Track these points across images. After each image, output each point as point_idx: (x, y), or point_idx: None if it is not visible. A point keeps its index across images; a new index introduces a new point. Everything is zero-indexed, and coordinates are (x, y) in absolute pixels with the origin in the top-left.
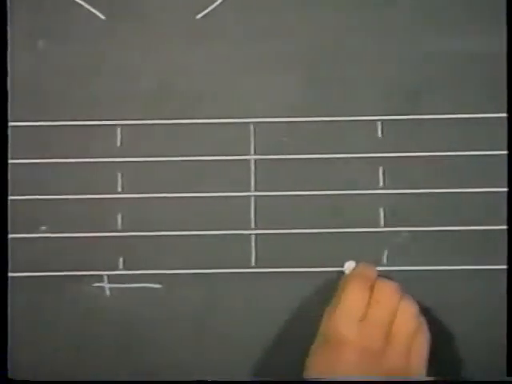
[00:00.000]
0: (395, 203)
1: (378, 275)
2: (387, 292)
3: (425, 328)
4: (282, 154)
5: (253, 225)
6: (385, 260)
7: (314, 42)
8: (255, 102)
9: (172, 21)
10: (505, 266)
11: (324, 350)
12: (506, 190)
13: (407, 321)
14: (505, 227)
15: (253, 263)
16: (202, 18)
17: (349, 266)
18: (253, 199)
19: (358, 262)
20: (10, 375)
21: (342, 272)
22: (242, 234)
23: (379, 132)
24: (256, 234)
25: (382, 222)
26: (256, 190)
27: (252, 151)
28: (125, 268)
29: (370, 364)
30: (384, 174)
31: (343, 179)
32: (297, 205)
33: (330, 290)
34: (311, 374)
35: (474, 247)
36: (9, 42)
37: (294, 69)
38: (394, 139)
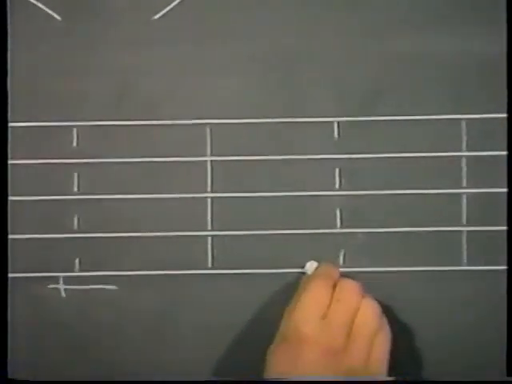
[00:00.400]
0: (351, 204)
1: (340, 275)
2: (349, 291)
3: (386, 327)
4: (239, 156)
5: (209, 226)
6: (341, 261)
7: (272, 43)
8: (212, 103)
9: (129, 21)
10: (505, 267)
11: (285, 349)
12: (505, 190)
13: (368, 319)
14: (505, 228)
15: (209, 265)
16: (159, 18)
17: (310, 265)
18: (209, 200)
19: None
20: (10, 375)
21: (303, 272)
22: (199, 236)
23: (335, 133)
24: (212, 236)
25: (338, 223)
26: (212, 192)
27: (208, 152)
28: (80, 269)
29: (331, 362)
30: (340, 175)
31: (300, 180)
32: (253, 206)
33: (286, 290)
34: (272, 373)
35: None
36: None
37: (251, 70)
38: (351, 140)
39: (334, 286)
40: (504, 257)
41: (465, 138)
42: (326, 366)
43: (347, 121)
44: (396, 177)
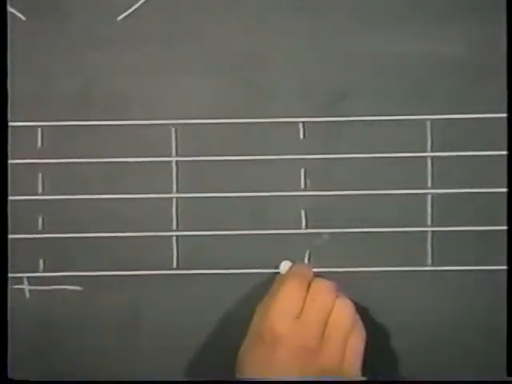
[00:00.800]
0: (317, 205)
1: (315, 275)
2: (323, 290)
3: (360, 326)
4: (204, 156)
5: (174, 226)
6: (306, 261)
7: (237, 44)
8: (177, 103)
9: (94, 22)
10: (505, 267)
11: (259, 348)
12: (505, 190)
13: (342, 319)
14: (505, 227)
15: (174, 265)
16: (123, 19)
17: (284, 265)
18: (174, 201)
19: (279, 263)
20: (10, 375)
21: (277, 272)
22: (164, 236)
23: (301, 134)
24: (177, 236)
25: (303, 223)
26: (178, 192)
27: (174, 153)
28: (45, 270)
29: (305, 362)
30: (306, 175)
31: (265, 181)
32: (219, 206)
33: (251, 291)
34: (246, 372)
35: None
36: None
37: (216, 70)
38: (316, 141)
39: (309, 286)
40: (470, 257)
41: (430, 139)
42: (300, 365)
43: (313, 121)
44: (361, 177)
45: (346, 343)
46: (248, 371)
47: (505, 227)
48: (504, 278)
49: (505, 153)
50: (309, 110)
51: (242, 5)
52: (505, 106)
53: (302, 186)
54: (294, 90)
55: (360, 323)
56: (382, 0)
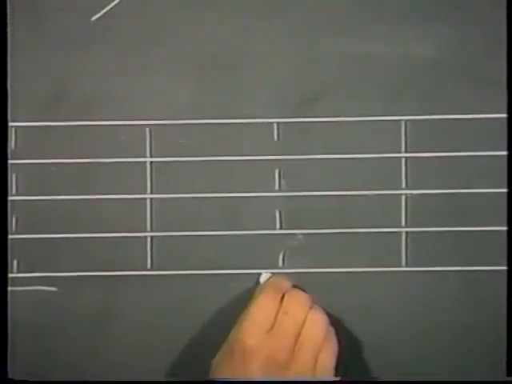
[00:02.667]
0: (291, 205)
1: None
2: (295, 303)
3: (332, 339)
4: (179, 157)
5: (148, 227)
6: (281, 262)
7: (211, 44)
8: (151, 104)
9: (68, 22)
10: (505, 267)
11: (229, 361)
12: (505, 190)
13: (314, 332)
14: (505, 228)
15: (149, 266)
16: (97, 19)
17: (264, 277)
18: (149, 201)
19: (253, 264)
20: (10, 375)
21: (258, 282)
22: (138, 237)
23: (275, 134)
24: (152, 237)
25: (277, 224)
26: (152, 193)
27: (148, 153)
28: (19, 271)
29: (276, 374)
30: (280, 176)
31: (240, 181)
32: (193, 207)
33: (225, 292)
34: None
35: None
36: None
37: (190, 70)
38: (290, 141)
39: (283, 298)
40: (444, 257)
41: (404, 139)
42: (271, 377)
43: (287, 122)
44: (336, 178)
45: (318, 356)
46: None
47: (504, 228)
48: (504, 278)
49: (489, 154)
50: (283, 110)
51: (215, 5)
52: (478, 106)
53: (277, 186)
54: (268, 91)
55: (332, 335)
56: (356, 1)
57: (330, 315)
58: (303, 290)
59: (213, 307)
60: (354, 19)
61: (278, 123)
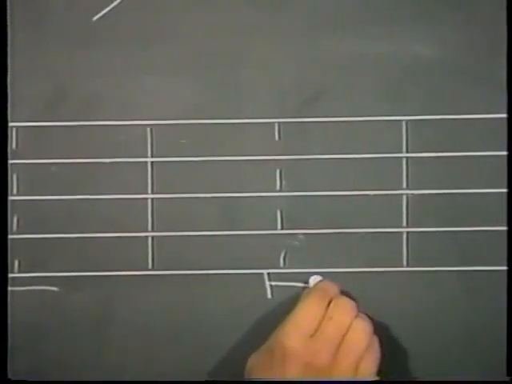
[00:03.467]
0: (292, 205)
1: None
2: (341, 309)
3: (375, 349)
4: (180, 157)
5: (150, 227)
6: (281, 262)
7: (212, 44)
8: (152, 104)
9: (69, 22)
10: (505, 267)
11: (267, 361)
12: (505, 190)
13: (357, 340)
14: (505, 228)
15: (150, 266)
16: (98, 19)
17: (314, 280)
18: (150, 201)
19: (254, 264)
20: (10, 375)
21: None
22: (140, 237)
23: (276, 134)
24: (153, 237)
25: (279, 224)
26: (153, 193)
27: (149, 153)
28: (20, 271)
29: (315, 379)
30: (281, 176)
31: (241, 181)
32: (195, 207)
33: (227, 291)
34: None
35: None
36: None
37: (191, 70)
38: (291, 141)
39: (330, 303)
40: (445, 258)
41: (405, 139)
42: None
43: (288, 122)
44: (337, 178)
45: (359, 365)
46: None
47: (504, 227)
48: (504, 278)
49: (484, 153)
50: (284, 110)
51: (216, 5)
52: (479, 106)
53: (278, 186)
54: (269, 91)
55: (375, 345)
56: (357, 1)
57: (374, 322)
58: (351, 298)
59: (214, 307)
60: (354, 19)
61: (278, 123)
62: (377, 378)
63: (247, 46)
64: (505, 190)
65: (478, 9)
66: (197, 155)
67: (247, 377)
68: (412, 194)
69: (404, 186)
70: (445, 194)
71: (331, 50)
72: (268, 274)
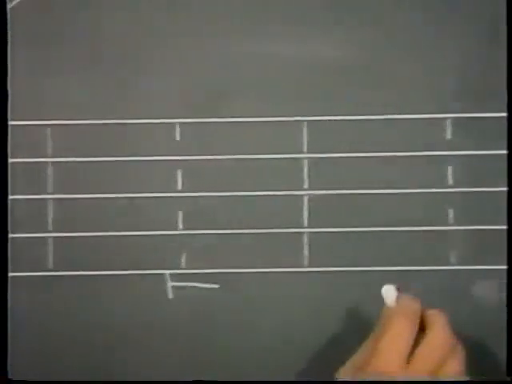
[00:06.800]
0: (193, 206)
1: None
2: (442, 340)
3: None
4: (80, 157)
5: (50, 227)
6: (183, 263)
7: (113, 43)
8: (51, 103)
9: None
10: (505, 267)
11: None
12: (505, 189)
13: (453, 371)
14: (505, 227)
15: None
16: None
17: (389, 292)
18: (50, 202)
19: (153, 266)
20: (10, 375)
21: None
22: (40, 237)
23: (177, 135)
24: (54, 237)
25: (180, 224)
26: (54, 193)
27: (50, 153)
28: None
29: None
30: (182, 176)
31: (142, 181)
32: (96, 207)
33: (128, 291)
34: None
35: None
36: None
37: (93, 71)
38: (193, 142)
39: (419, 321)
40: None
41: (306, 140)
42: None
43: (189, 122)
44: (239, 178)
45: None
46: None
47: (504, 227)
48: (504, 278)
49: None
50: (186, 110)
51: (117, 5)
52: (377, 107)
53: (179, 187)
54: (171, 91)
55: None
56: (264, 2)
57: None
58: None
59: (115, 308)
60: (262, 20)
61: (179, 123)
62: None
63: (150, 44)
64: (505, 189)
65: (380, 9)
66: (97, 155)
67: None
68: (313, 194)
69: (306, 186)
70: (345, 194)
71: (233, 50)
72: (169, 274)
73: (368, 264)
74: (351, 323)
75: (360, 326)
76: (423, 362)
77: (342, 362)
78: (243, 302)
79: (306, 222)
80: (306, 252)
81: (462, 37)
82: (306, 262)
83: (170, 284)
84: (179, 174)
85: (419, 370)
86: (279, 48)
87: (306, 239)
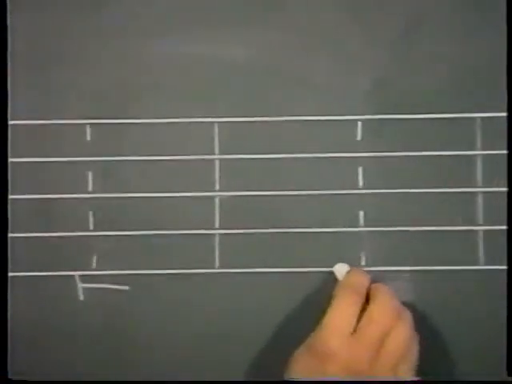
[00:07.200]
0: (105, 207)
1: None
2: (382, 310)
3: (414, 352)
4: None
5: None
6: (94, 264)
7: (26, 43)
8: None
9: None
10: (505, 266)
11: (309, 360)
12: (505, 189)
13: (398, 344)
14: (505, 227)
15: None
16: None
17: (340, 268)
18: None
19: (66, 266)
20: (10, 375)
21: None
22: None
23: (88, 135)
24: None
25: (91, 225)
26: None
27: None
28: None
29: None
30: (93, 177)
31: (53, 182)
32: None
33: (39, 292)
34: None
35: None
36: None
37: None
38: (103, 142)
39: (365, 295)
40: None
41: (217, 141)
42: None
43: (100, 123)
44: (151, 179)
45: (397, 369)
46: (296, 377)
47: (504, 227)
48: (504, 278)
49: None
50: (97, 111)
51: (25, 5)
52: (289, 107)
53: (90, 187)
54: (81, 91)
55: (415, 346)
56: (175, 2)
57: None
58: (384, 284)
59: (27, 309)
60: (175, 20)
61: (90, 124)
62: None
63: (61, 44)
64: (505, 189)
65: (291, 10)
66: (14, 156)
67: (288, 375)
68: (223, 195)
69: (217, 187)
70: (254, 195)
71: (143, 51)
72: (79, 276)
73: (279, 265)
74: (261, 324)
75: (270, 327)
76: (365, 333)
77: (253, 363)
78: (154, 304)
79: (217, 224)
80: (217, 253)
81: (373, 37)
82: (216, 263)
83: (81, 285)
84: (90, 175)
85: (363, 341)
86: (190, 49)
87: (217, 240)
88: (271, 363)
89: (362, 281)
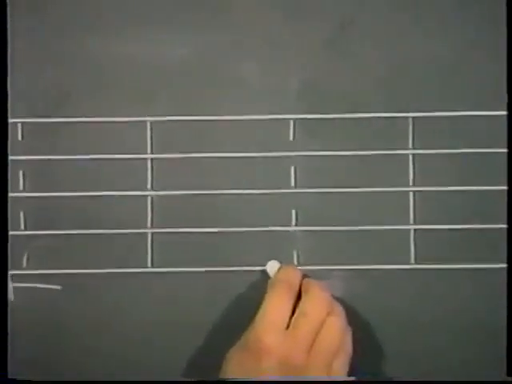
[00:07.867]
0: (38, 206)
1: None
2: (314, 305)
3: (348, 345)
4: None
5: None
6: (24, 263)
7: None
8: None
9: None
10: (505, 265)
11: (243, 357)
12: (505, 188)
13: (330, 338)
14: (505, 226)
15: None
16: None
17: (271, 266)
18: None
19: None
20: (10, 375)
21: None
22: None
23: (19, 135)
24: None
25: (22, 225)
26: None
27: None
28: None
29: (289, 375)
30: (24, 177)
31: None
32: None
33: None
34: (228, 376)
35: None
36: None
37: None
38: (37, 142)
39: (297, 291)
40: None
41: (149, 140)
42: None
43: (33, 122)
44: (86, 178)
45: (332, 363)
46: (231, 376)
47: (504, 225)
48: (504, 278)
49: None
50: (30, 110)
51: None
52: (223, 107)
53: (21, 187)
54: (14, 90)
55: (348, 340)
56: (113, 1)
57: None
58: (316, 280)
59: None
60: (109, 19)
61: (22, 123)
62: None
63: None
64: (505, 188)
65: (227, 9)
66: None
67: (223, 371)
68: (157, 195)
69: (148, 186)
70: (188, 194)
71: (76, 50)
72: (11, 275)
73: (215, 264)
74: (196, 324)
75: (204, 326)
76: (299, 327)
77: (188, 364)
78: (87, 303)
79: (149, 223)
80: (149, 252)
81: (306, 37)
82: (149, 262)
83: (12, 285)
84: (21, 174)
85: (297, 335)
86: (125, 48)
87: (149, 239)
88: (206, 363)
89: (293, 276)
